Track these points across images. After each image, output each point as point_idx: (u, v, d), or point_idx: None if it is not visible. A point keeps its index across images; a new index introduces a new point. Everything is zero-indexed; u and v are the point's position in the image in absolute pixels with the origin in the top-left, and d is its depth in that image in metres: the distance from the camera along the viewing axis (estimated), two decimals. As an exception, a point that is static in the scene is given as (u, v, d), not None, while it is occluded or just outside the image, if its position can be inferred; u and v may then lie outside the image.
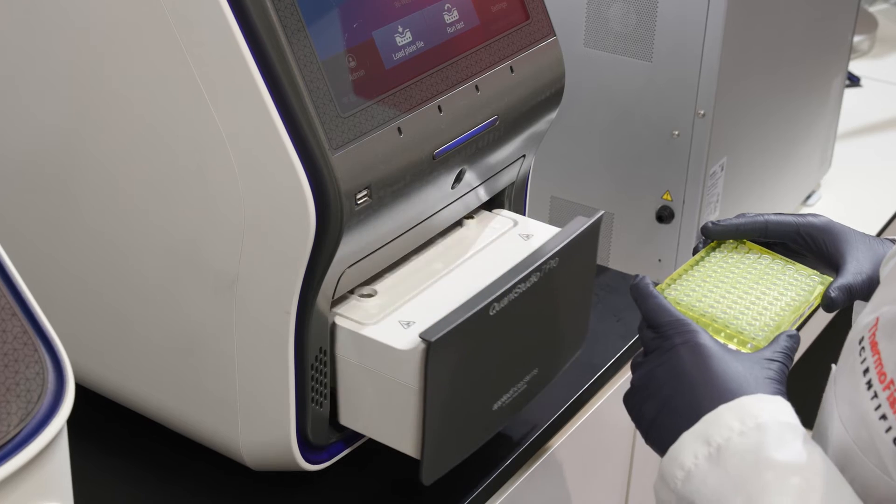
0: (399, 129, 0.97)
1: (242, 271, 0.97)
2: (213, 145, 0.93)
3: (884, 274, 0.97)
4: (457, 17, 1.04)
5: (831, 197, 1.87)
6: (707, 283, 1.01)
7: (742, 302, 0.99)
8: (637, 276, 0.95)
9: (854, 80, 2.16)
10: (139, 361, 1.08)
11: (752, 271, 1.03)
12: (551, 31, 1.13)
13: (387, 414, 1.01)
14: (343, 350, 1.01)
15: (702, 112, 1.39)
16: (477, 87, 1.04)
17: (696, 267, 1.04)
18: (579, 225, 1.08)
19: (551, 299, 1.07)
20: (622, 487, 1.38)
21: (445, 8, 1.03)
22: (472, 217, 1.14)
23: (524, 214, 1.20)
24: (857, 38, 2.25)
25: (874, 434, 0.82)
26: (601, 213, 1.09)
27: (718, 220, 1.06)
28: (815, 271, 1.03)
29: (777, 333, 0.93)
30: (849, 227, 1.06)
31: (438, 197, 1.05)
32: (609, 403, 1.26)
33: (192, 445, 1.11)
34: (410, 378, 0.97)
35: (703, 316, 0.97)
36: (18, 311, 0.71)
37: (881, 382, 0.83)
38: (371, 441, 1.07)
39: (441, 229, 1.12)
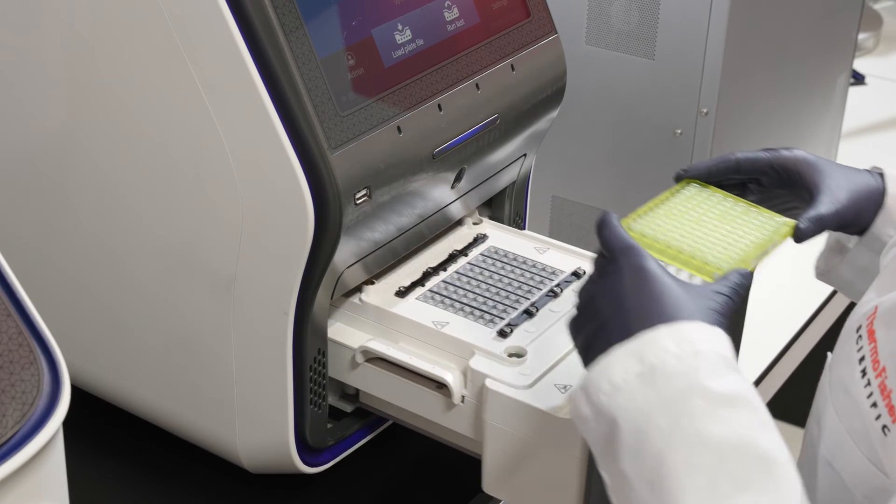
0: (398, 128, 0.97)
1: (240, 272, 0.97)
2: (211, 145, 0.93)
3: (884, 263, 0.97)
4: (457, 15, 1.04)
5: (836, 196, 1.87)
6: (672, 220, 1.00)
7: (707, 238, 0.97)
8: (604, 211, 0.93)
9: (859, 78, 2.16)
10: (136, 363, 1.08)
11: (717, 211, 1.01)
12: (552, 29, 1.13)
13: (541, 484, 0.95)
14: (494, 415, 0.95)
15: (705, 110, 1.39)
16: (477, 86, 1.04)
17: (661, 205, 1.02)
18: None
19: None
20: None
21: (445, 5, 1.03)
22: None
23: (525, 214, 1.21)
24: (861, 36, 2.25)
25: (866, 422, 0.83)
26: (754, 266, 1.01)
27: (689, 166, 1.04)
28: (779, 214, 1.02)
29: (741, 266, 0.92)
30: (825, 159, 1.04)
31: (438, 196, 1.05)
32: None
33: (189, 448, 1.11)
34: (573, 447, 0.91)
35: (669, 248, 0.95)
36: (14, 313, 0.72)
37: (874, 370, 0.83)
38: (370, 444, 1.07)
39: (441, 229, 1.12)
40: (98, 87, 0.99)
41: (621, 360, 0.80)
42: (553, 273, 1.09)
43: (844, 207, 0.99)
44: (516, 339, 1.01)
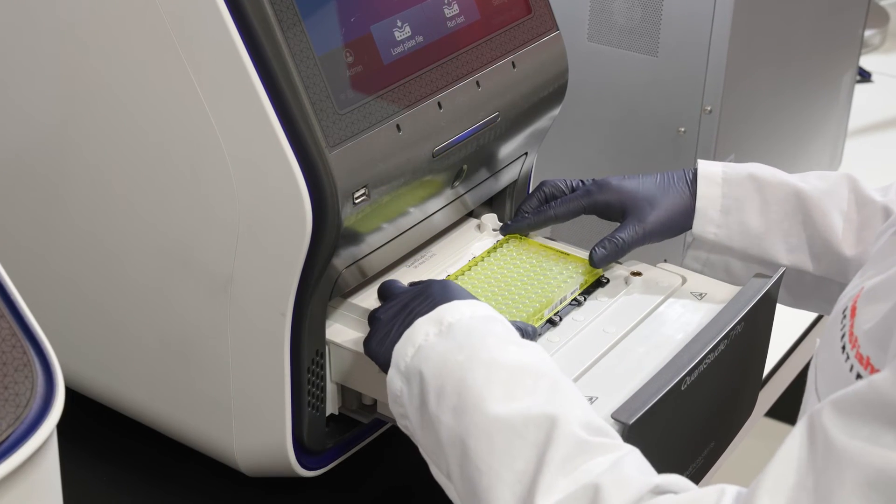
0: (398, 126, 0.97)
1: (237, 272, 0.97)
2: (207, 142, 0.93)
3: (874, 250, 0.98)
4: (457, 11, 1.04)
5: (842, 195, 1.87)
6: (486, 278, 1.08)
7: (512, 294, 1.06)
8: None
9: (865, 76, 2.16)
10: (131, 364, 1.08)
11: (528, 265, 1.10)
12: (554, 26, 1.13)
13: None
14: None
15: (709, 108, 1.39)
16: (478, 83, 1.04)
17: (479, 263, 1.10)
18: (762, 285, 1.02)
19: (733, 367, 1.01)
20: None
21: (445, 2, 1.03)
22: (639, 273, 1.10)
23: (526, 213, 1.20)
24: (868, 33, 2.25)
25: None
26: (782, 270, 1.05)
27: (510, 222, 1.15)
28: (584, 260, 1.11)
29: (535, 317, 1.03)
30: (636, 179, 1.13)
31: (438, 196, 1.05)
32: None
33: (185, 450, 1.11)
34: None
35: None
36: (7, 313, 0.71)
37: (850, 343, 0.84)
38: (368, 447, 1.07)
39: (441, 229, 1.12)
40: (93, 85, 0.98)
41: (423, 326, 0.91)
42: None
43: (651, 225, 1.11)
44: (554, 352, 1.01)
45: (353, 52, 0.95)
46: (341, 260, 0.97)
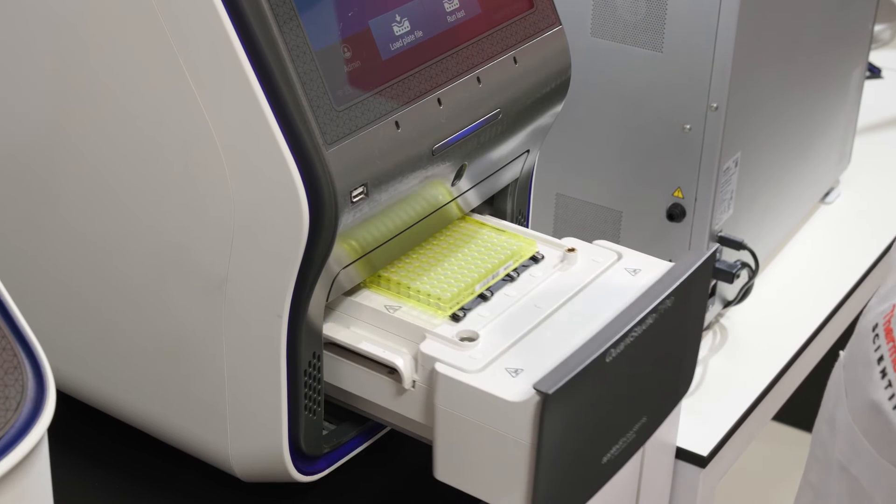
0: (397, 123, 0.97)
1: (232, 272, 0.97)
2: (201, 140, 0.93)
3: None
4: (457, 6, 1.04)
5: (851, 194, 1.87)
6: (417, 256, 1.09)
7: (443, 268, 1.06)
8: None
9: (875, 72, 2.16)
10: (124, 367, 1.08)
11: (461, 241, 1.11)
12: (556, 20, 1.13)
13: (491, 470, 0.96)
14: (444, 400, 0.96)
15: (714, 105, 1.39)
16: (478, 79, 1.04)
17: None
18: (694, 260, 1.03)
19: (664, 342, 1.03)
20: (632, 493, 1.38)
21: (445, -4, 1.03)
22: (573, 250, 1.10)
23: (528, 213, 1.21)
24: (877, 28, 2.25)
25: (888, 424, 0.82)
26: (716, 247, 1.06)
27: None
28: (520, 236, 1.11)
29: (466, 291, 1.03)
30: None
31: (438, 194, 1.05)
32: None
33: (179, 455, 1.11)
34: (521, 432, 0.92)
35: (409, 288, 1.04)
36: (-3, 315, 0.72)
37: (894, 366, 0.83)
38: (366, 451, 1.07)
39: (441, 228, 1.12)
40: (85, 81, 0.98)
41: None
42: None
43: None
44: (469, 323, 1.02)
45: (351, 48, 0.95)
46: (339, 260, 0.97)
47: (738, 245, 1.49)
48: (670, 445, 1.42)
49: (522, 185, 1.18)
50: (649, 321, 0.97)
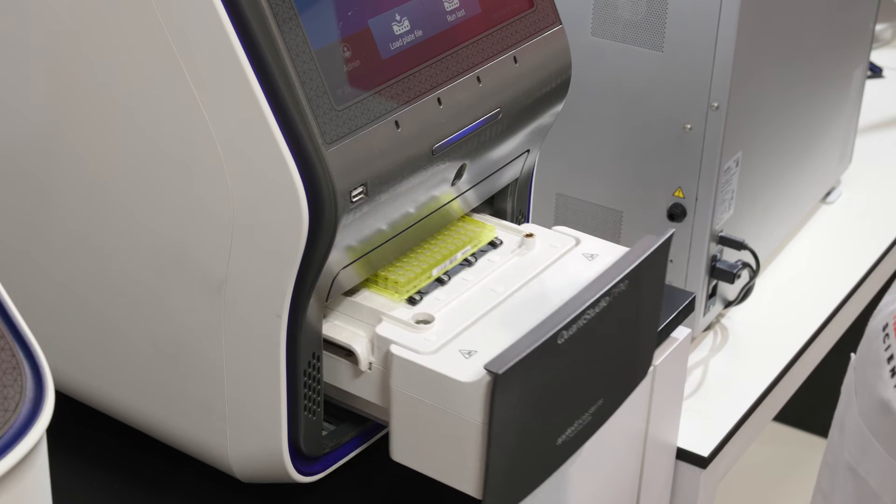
0: (396, 123, 0.97)
1: (231, 272, 0.97)
2: (200, 140, 0.93)
3: None
4: (457, 5, 1.04)
5: (852, 194, 1.87)
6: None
7: (402, 255, 1.08)
8: None
9: (876, 71, 2.16)
10: (123, 367, 1.08)
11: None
12: (557, 20, 1.13)
13: (445, 450, 0.98)
14: (399, 381, 0.98)
15: (715, 104, 1.39)
16: (479, 79, 1.04)
17: None
18: (649, 244, 1.05)
19: (619, 325, 1.04)
20: (632, 494, 1.38)
21: (445, -5, 1.03)
22: (531, 235, 1.12)
23: (528, 212, 1.21)
24: (879, 27, 2.25)
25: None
26: (671, 231, 1.07)
27: None
28: (479, 222, 1.12)
29: (423, 276, 1.05)
30: None
31: (438, 194, 1.05)
32: (619, 410, 1.26)
33: (178, 456, 1.11)
34: (473, 412, 0.94)
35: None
36: (-5, 315, 0.71)
37: None
38: (367, 452, 1.07)
39: (440, 228, 1.12)
40: (83, 79, 0.98)
41: None
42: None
43: None
44: (425, 306, 1.03)
45: (351, 47, 0.95)
46: (338, 260, 0.97)
47: (738, 245, 1.49)
48: (671, 446, 1.42)
49: (523, 185, 1.18)
50: (602, 304, 0.99)
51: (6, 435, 0.68)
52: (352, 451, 1.09)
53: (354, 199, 0.94)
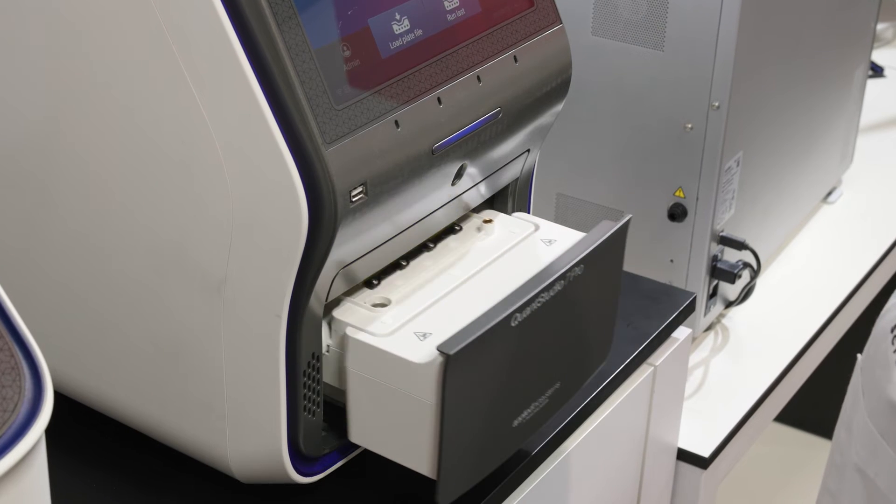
0: (396, 123, 0.97)
1: (231, 272, 0.97)
2: (200, 139, 0.93)
3: None
4: (457, 4, 1.04)
5: (853, 193, 1.87)
6: None
7: None
8: None
9: (877, 71, 2.16)
10: (121, 368, 1.08)
11: None
12: (557, 19, 1.13)
13: (401, 431, 1.00)
14: (354, 363, 1.00)
15: (716, 104, 1.39)
16: (479, 78, 1.04)
17: None
18: (605, 230, 1.06)
19: (575, 309, 1.06)
20: (633, 494, 1.38)
21: (445, -6, 1.03)
22: (490, 221, 1.14)
23: (528, 212, 1.21)
24: (880, 26, 2.25)
25: None
26: (629, 217, 1.09)
27: None
28: None
29: None
30: None
31: (438, 194, 1.05)
32: (619, 410, 1.26)
33: (177, 457, 1.11)
34: (426, 393, 0.96)
35: None
36: (-7, 315, 0.71)
37: None
38: (367, 452, 1.07)
39: (440, 228, 1.12)
40: (83, 79, 0.98)
41: None
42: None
43: None
44: (383, 290, 1.05)
45: (350, 46, 0.95)
46: (338, 260, 0.97)
47: (739, 245, 1.49)
48: (672, 446, 1.42)
49: (523, 185, 1.18)
50: (557, 287, 1.00)
51: (5, 435, 0.68)
52: (351, 451, 1.09)
53: (354, 199, 0.93)
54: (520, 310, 0.97)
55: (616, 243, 1.08)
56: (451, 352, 0.92)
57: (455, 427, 0.97)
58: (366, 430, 1.03)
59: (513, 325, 0.97)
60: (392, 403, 0.99)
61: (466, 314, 0.98)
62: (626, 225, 1.08)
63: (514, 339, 0.98)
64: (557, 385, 1.07)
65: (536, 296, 0.98)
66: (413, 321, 1.01)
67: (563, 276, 1.01)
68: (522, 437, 1.06)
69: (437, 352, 0.93)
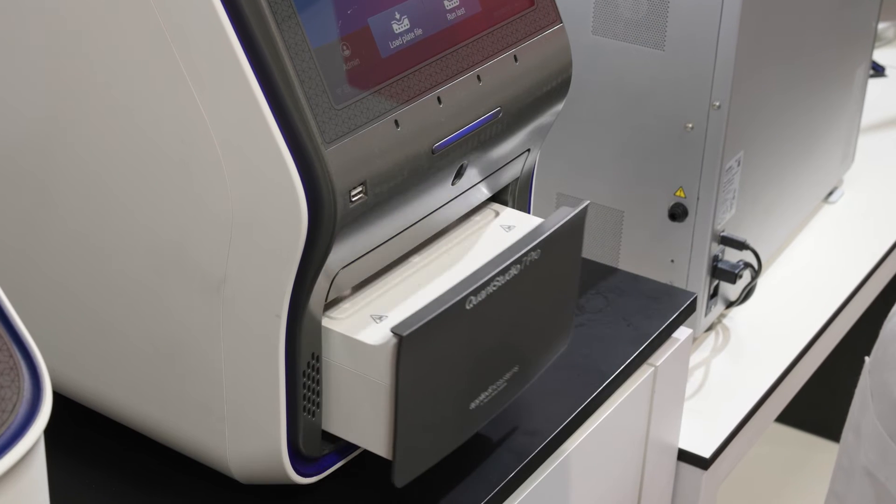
0: (396, 122, 0.97)
1: (230, 272, 0.97)
2: (199, 139, 0.93)
3: None
4: (457, 3, 1.04)
5: (854, 193, 1.87)
6: None
7: None
8: None
9: (878, 70, 2.16)
10: (121, 368, 1.08)
11: None
12: (557, 18, 1.13)
13: (357, 413, 1.01)
14: None
15: (717, 103, 1.39)
16: (479, 77, 1.04)
17: None
18: (563, 215, 1.08)
19: (533, 293, 1.07)
20: (634, 495, 1.38)
21: (445, -7, 1.03)
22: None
23: (528, 212, 1.21)
24: (881, 26, 2.25)
25: None
26: (586, 202, 1.10)
27: None
28: None
29: None
30: None
31: (438, 194, 1.05)
32: (619, 411, 1.26)
33: (176, 457, 1.11)
34: (381, 375, 0.98)
35: None
36: (-8, 315, 0.71)
37: None
38: (366, 453, 1.07)
39: (441, 228, 1.12)
40: (82, 79, 0.98)
41: None
42: None
43: None
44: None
45: (350, 46, 0.95)
46: (338, 259, 0.97)
47: (740, 245, 1.49)
48: (672, 447, 1.42)
49: (523, 185, 1.18)
50: (513, 272, 1.02)
51: (4, 436, 0.68)
52: (351, 452, 1.09)
53: (354, 199, 0.93)
54: (474, 293, 0.99)
55: (574, 229, 1.10)
56: (405, 333, 0.94)
57: (410, 408, 0.98)
58: (330, 415, 1.04)
59: (468, 307, 0.99)
60: (350, 386, 1.01)
61: (423, 298, 1.00)
62: (583, 211, 1.09)
63: (469, 321, 1.00)
64: (516, 369, 1.09)
65: (492, 279, 1.00)
66: (370, 305, 1.03)
67: (518, 261, 1.02)
68: (480, 421, 1.07)
69: (392, 333, 0.95)
